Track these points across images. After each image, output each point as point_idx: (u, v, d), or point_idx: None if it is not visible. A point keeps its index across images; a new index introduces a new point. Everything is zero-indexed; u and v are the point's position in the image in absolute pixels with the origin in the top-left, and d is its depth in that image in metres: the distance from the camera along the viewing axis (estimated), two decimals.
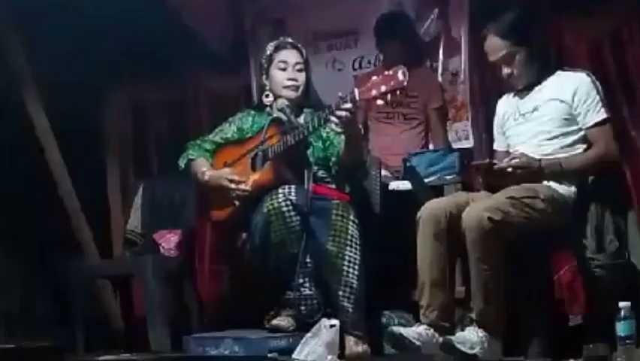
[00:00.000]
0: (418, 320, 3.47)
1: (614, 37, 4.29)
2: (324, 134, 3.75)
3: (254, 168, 3.78)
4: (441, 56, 4.73)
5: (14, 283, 5.09)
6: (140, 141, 5.50)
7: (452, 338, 3.18)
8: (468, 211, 3.24)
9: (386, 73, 3.35)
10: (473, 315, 3.24)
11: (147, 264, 4.39)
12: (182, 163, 4.01)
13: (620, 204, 3.58)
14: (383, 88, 3.32)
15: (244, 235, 3.90)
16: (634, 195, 4.08)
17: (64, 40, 4.77)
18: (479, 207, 3.23)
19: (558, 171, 3.37)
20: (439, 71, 4.74)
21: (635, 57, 4.23)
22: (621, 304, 2.96)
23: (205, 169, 3.87)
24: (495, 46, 3.50)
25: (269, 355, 3.45)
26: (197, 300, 4.64)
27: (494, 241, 3.17)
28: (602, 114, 3.44)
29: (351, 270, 3.48)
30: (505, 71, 3.51)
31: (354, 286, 3.47)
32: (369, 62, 4.91)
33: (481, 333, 3.18)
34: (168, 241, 4.56)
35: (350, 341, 3.44)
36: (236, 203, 3.73)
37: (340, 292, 3.47)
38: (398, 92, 3.34)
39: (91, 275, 4.88)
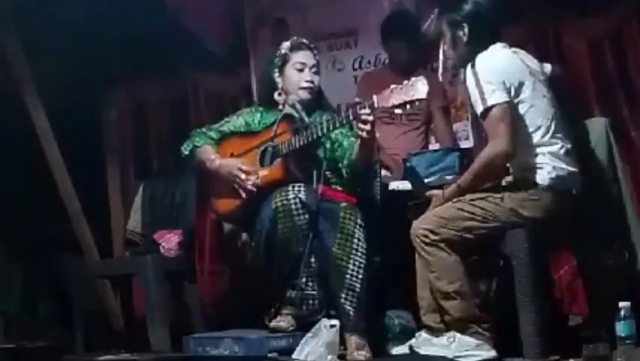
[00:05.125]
0: (417, 320, 3.50)
1: (614, 37, 4.29)
2: (333, 136, 3.73)
3: (262, 163, 3.75)
4: (441, 56, 4.72)
5: (14, 283, 5.09)
6: (140, 141, 5.51)
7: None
8: (413, 225, 3.32)
9: (406, 83, 3.36)
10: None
11: (147, 264, 4.39)
12: (186, 150, 3.95)
13: (620, 203, 3.58)
14: (403, 98, 3.34)
15: (244, 235, 3.91)
16: (634, 194, 4.08)
17: (64, 40, 4.77)
18: (420, 221, 3.31)
19: (458, 192, 3.33)
20: (439, 71, 4.73)
21: (635, 57, 4.23)
22: (621, 304, 2.96)
23: (214, 157, 3.83)
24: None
25: (269, 355, 3.45)
26: (197, 300, 4.64)
27: (438, 248, 3.24)
28: (485, 103, 3.26)
29: (355, 273, 3.48)
30: None
31: (357, 289, 3.47)
32: (369, 62, 4.92)
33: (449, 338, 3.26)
34: (168, 241, 4.55)
35: (352, 346, 3.44)
36: (243, 196, 3.69)
37: (343, 295, 3.46)
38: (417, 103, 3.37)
39: (91, 275, 4.88)
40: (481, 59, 3.31)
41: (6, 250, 5.06)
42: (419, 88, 3.32)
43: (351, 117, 3.46)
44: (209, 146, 3.89)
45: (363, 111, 3.40)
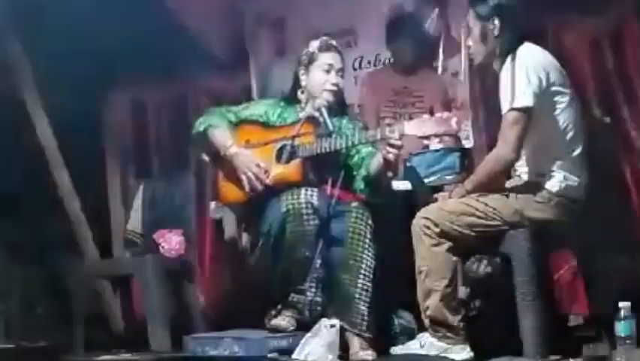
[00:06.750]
0: (417, 320, 3.50)
1: (614, 37, 4.29)
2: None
3: (278, 160, 3.69)
4: (441, 56, 4.74)
5: (14, 283, 5.09)
6: (140, 141, 5.51)
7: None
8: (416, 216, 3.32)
9: (438, 115, 3.38)
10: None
11: (147, 264, 4.39)
12: (200, 126, 3.79)
13: (620, 203, 3.58)
14: (434, 129, 3.36)
15: (244, 235, 3.90)
16: (634, 194, 4.09)
17: (64, 40, 4.77)
18: (423, 211, 3.30)
19: (464, 193, 3.34)
20: (439, 71, 4.75)
21: (635, 57, 4.23)
22: (621, 304, 2.96)
23: (230, 143, 3.72)
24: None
25: (269, 355, 3.45)
26: (197, 300, 4.64)
27: (436, 242, 3.24)
28: (511, 103, 3.20)
29: (367, 273, 3.47)
30: None
31: (370, 289, 3.46)
32: (369, 62, 4.92)
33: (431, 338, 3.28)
34: (168, 241, 4.55)
35: (356, 345, 3.43)
36: (247, 190, 3.64)
37: (357, 295, 3.45)
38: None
39: (91, 275, 4.88)
40: (525, 52, 3.26)
41: (6, 250, 5.05)
42: (452, 124, 3.33)
43: (378, 137, 3.47)
44: (225, 128, 3.77)
45: (392, 135, 3.41)
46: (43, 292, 5.13)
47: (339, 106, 3.83)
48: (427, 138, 3.43)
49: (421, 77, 4.63)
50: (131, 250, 4.82)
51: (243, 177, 3.65)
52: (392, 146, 3.42)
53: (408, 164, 3.99)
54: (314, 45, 3.81)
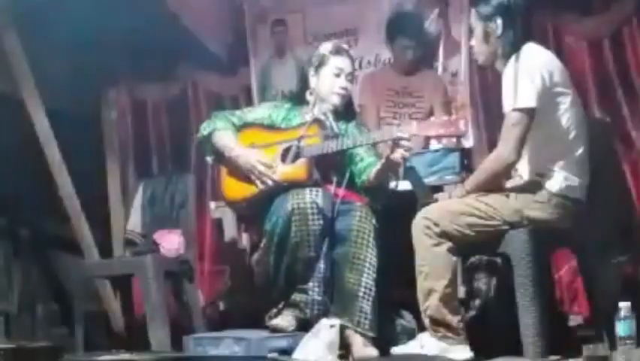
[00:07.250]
0: (417, 320, 3.50)
1: (614, 37, 4.30)
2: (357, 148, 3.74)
3: (283, 160, 3.70)
4: (441, 56, 4.74)
5: (14, 283, 5.08)
6: (140, 140, 5.51)
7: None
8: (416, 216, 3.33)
9: (446, 118, 3.42)
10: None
11: (147, 264, 4.39)
12: (205, 130, 3.84)
13: (620, 203, 3.58)
14: (441, 131, 3.40)
15: (244, 235, 3.90)
16: (634, 194, 4.09)
17: (64, 40, 4.77)
18: (423, 211, 3.31)
19: (464, 193, 3.35)
20: (439, 71, 4.75)
21: (635, 57, 4.23)
22: (621, 304, 2.96)
23: (234, 145, 3.75)
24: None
25: (269, 355, 3.45)
26: (197, 300, 4.64)
27: (437, 243, 3.24)
28: (514, 103, 3.20)
29: (371, 272, 3.48)
30: None
31: (373, 288, 3.47)
32: (369, 62, 4.92)
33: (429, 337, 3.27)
34: (168, 241, 4.55)
35: (358, 343, 3.44)
36: (260, 187, 3.66)
37: (360, 294, 3.46)
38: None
39: (91, 275, 4.88)
40: (528, 52, 3.25)
41: (6, 250, 5.05)
42: (459, 127, 3.36)
43: (385, 138, 3.49)
44: (230, 132, 3.81)
45: (402, 135, 3.42)
46: (43, 292, 5.13)
47: (346, 110, 3.83)
48: (435, 138, 3.44)
49: (421, 77, 4.63)
50: (131, 250, 4.82)
51: (252, 177, 3.67)
52: (402, 147, 3.44)
53: (408, 164, 3.99)
54: (326, 48, 3.83)
